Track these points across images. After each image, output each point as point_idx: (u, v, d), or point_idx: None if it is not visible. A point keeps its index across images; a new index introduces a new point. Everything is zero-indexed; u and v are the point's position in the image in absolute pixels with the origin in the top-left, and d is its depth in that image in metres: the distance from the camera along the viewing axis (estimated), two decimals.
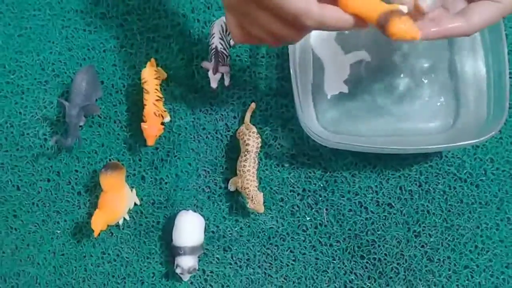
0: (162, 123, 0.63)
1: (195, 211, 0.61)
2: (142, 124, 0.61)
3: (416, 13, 0.42)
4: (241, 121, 0.64)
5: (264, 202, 0.60)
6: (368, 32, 0.64)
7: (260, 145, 0.61)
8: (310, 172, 0.64)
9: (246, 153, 0.60)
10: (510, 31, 0.66)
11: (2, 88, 0.67)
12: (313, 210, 0.63)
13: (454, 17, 0.43)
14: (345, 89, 0.63)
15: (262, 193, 0.60)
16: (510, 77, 0.58)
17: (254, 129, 0.62)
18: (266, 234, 0.63)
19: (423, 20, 0.43)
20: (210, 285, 0.62)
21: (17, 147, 0.65)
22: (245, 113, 0.64)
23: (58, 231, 0.64)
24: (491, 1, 0.43)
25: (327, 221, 0.63)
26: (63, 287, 0.63)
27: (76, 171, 0.65)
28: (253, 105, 0.64)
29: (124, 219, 0.63)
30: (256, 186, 0.60)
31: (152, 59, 0.64)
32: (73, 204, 0.64)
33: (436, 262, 0.62)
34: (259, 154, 0.62)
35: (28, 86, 0.67)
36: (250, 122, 0.63)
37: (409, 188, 0.63)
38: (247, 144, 0.60)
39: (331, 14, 0.41)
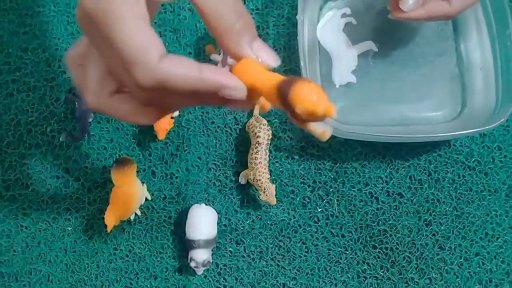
0: (172, 117, 0.63)
1: (207, 205, 0.61)
2: None
3: None
4: (250, 115, 0.64)
5: (275, 194, 0.60)
6: (375, 22, 0.65)
7: (271, 137, 0.61)
8: (320, 164, 0.64)
9: (257, 145, 0.60)
10: None
11: (8, 85, 0.66)
12: (324, 201, 0.63)
13: (438, 1, 0.52)
14: (353, 79, 0.63)
15: (274, 185, 0.60)
16: None
17: (264, 121, 0.61)
18: (278, 226, 0.63)
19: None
20: (224, 278, 0.62)
21: (25, 144, 0.65)
22: (253, 106, 0.64)
23: (69, 228, 0.64)
24: None
25: (339, 212, 0.63)
26: (75, 284, 0.62)
27: (86, 167, 0.64)
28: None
29: (136, 214, 0.62)
30: (268, 178, 0.60)
31: None
32: (83, 201, 0.64)
33: (448, 250, 0.62)
34: (269, 146, 0.62)
35: (35, 83, 0.66)
36: (259, 115, 0.63)
37: (419, 178, 0.64)
38: (258, 136, 0.60)
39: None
